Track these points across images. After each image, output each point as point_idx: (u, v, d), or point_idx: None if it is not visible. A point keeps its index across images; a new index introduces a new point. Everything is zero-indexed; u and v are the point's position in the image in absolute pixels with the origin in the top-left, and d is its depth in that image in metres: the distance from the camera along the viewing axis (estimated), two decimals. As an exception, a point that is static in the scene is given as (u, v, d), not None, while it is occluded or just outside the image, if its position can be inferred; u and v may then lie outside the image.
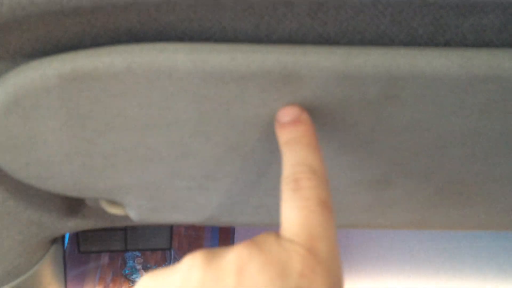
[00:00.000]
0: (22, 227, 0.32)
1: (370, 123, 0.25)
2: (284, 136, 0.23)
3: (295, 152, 0.22)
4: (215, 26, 0.23)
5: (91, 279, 1.25)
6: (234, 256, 0.19)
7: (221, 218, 0.32)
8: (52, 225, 0.34)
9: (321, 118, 0.25)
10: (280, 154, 0.27)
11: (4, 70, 0.23)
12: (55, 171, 0.27)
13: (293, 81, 0.23)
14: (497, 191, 0.27)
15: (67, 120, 0.24)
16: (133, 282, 1.30)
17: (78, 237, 0.58)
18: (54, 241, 0.39)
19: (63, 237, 0.41)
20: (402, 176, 0.28)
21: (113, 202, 0.32)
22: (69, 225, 0.36)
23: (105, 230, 0.58)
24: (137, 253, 1.25)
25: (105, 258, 1.25)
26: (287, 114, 0.24)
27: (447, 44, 0.24)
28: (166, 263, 1.28)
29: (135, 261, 1.25)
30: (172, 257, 1.29)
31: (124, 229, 0.61)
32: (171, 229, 0.70)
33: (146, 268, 1.26)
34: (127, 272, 1.24)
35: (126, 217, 0.34)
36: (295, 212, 0.20)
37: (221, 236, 1.38)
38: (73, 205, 0.36)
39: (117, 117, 0.25)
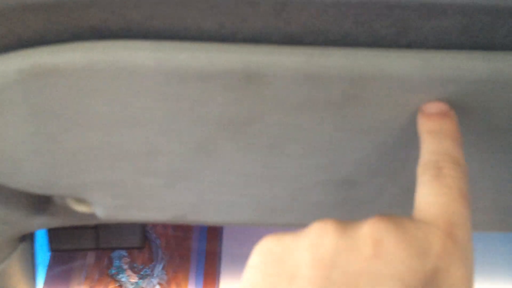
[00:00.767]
0: None
1: (334, 123, 0.25)
2: (429, 125, 0.23)
3: (439, 142, 0.22)
4: (179, 24, 0.23)
5: (77, 279, 1.24)
6: (370, 228, 0.19)
7: (189, 217, 0.32)
8: (19, 223, 0.33)
9: (287, 118, 0.25)
10: (247, 153, 0.27)
11: None
12: (19, 168, 0.27)
13: (257, 81, 0.23)
14: None
15: (30, 116, 0.24)
16: (120, 282, 1.29)
17: (49, 235, 0.57)
18: (22, 239, 0.39)
19: (32, 236, 0.40)
20: (367, 176, 0.28)
21: (80, 200, 0.32)
22: (37, 223, 0.36)
23: (76, 228, 0.57)
24: (124, 253, 1.24)
25: (91, 258, 1.24)
26: (435, 106, 0.23)
27: (409, 45, 0.24)
28: (153, 263, 1.28)
29: (122, 261, 1.25)
30: (160, 257, 1.29)
31: (96, 227, 0.61)
32: (143, 228, 0.70)
33: (133, 268, 1.25)
34: (113, 272, 1.24)
35: (94, 215, 0.34)
36: (436, 197, 0.20)
37: (209, 237, 1.38)
38: (40, 202, 0.36)
39: (81, 114, 0.25)
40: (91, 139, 0.26)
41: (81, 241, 0.60)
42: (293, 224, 0.32)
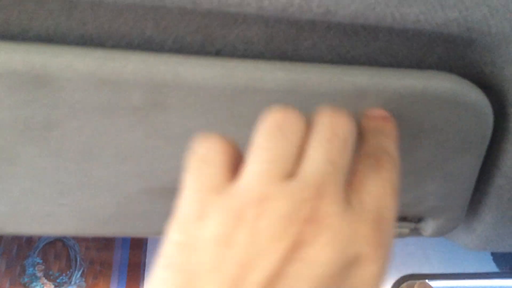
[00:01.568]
0: None
1: (144, 130, 0.24)
2: (371, 124, 0.23)
3: (380, 140, 0.22)
4: None
5: (-16, 288, 1.15)
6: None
7: (7, 228, 0.29)
8: None
9: (91, 123, 0.23)
10: (55, 159, 0.25)
11: None
12: None
13: (47, 83, 0.21)
14: None
15: None
16: (33, 291, 1.21)
17: None
18: None
19: None
20: None
21: None
22: None
23: None
24: (38, 260, 1.17)
25: (1, 265, 1.16)
26: (379, 111, 0.23)
27: (218, 53, 0.23)
28: (71, 270, 1.22)
29: (36, 268, 1.17)
30: (78, 264, 1.23)
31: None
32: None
33: (48, 276, 1.19)
34: (26, 280, 1.16)
35: None
36: (372, 187, 0.20)
37: (132, 243, 1.34)
38: None
39: None
40: None
41: None
42: (124, 233, 0.31)
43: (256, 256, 0.17)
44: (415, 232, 0.33)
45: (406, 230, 0.32)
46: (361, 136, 0.22)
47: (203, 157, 0.20)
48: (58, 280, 1.31)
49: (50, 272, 1.30)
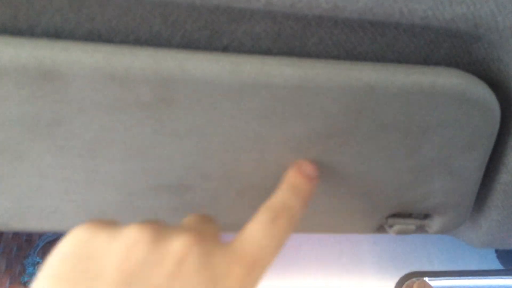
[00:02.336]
0: None
1: (152, 126, 0.23)
2: (292, 178, 0.25)
3: (290, 197, 0.23)
4: None
5: (-16, 288, 1.15)
6: (180, 245, 0.20)
7: (13, 224, 0.29)
8: None
9: (99, 119, 0.23)
10: (62, 156, 0.25)
11: None
12: None
13: (55, 79, 0.21)
14: None
15: None
16: (33, 290, 1.20)
17: None
18: None
19: None
20: (200, 180, 0.27)
21: None
22: None
23: None
24: (38, 259, 1.17)
25: (1, 265, 1.16)
26: (308, 167, 0.25)
27: (225, 49, 0.23)
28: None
29: (36, 268, 1.17)
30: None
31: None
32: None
33: (48, 275, 1.18)
34: (26, 279, 1.16)
35: None
36: (260, 238, 0.21)
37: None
38: None
39: None
40: None
41: None
42: None
43: None
44: (421, 229, 0.32)
45: (412, 227, 0.31)
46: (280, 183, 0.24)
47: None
48: (58, 280, 1.29)
49: (50, 272, 1.27)
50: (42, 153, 0.25)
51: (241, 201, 0.28)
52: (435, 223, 0.31)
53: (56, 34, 0.22)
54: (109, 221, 0.22)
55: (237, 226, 0.26)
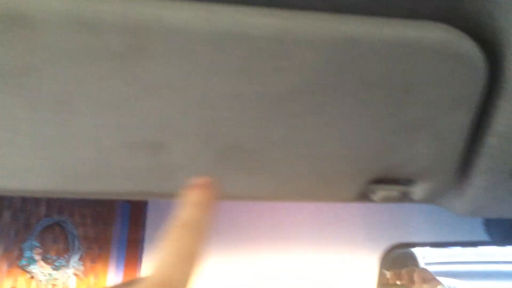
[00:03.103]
0: None
1: (123, 78, 0.23)
2: (189, 196, 0.24)
3: (190, 212, 0.23)
4: None
5: (-18, 271, 1.16)
6: None
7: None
8: None
9: (68, 70, 0.22)
10: (32, 109, 0.24)
11: None
12: None
13: (21, 25, 0.20)
14: (279, 158, 0.27)
15: None
16: (31, 273, 1.23)
17: None
18: None
19: None
20: (176, 139, 0.26)
21: None
22: None
23: None
24: (36, 243, 1.18)
25: (-1, 249, 1.17)
26: (200, 180, 0.24)
27: None
28: (69, 254, 1.23)
29: (33, 252, 1.19)
30: (76, 248, 1.24)
31: None
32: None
33: (46, 259, 1.20)
34: (23, 263, 1.17)
35: None
36: (164, 260, 0.21)
37: (131, 225, 1.35)
38: None
39: None
40: None
41: None
42: (106, 193, 0.30)
43: None
44: (405, 196, 0.32)
45: (395, 193, 0.31)
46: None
47: None
48: (56, 264, 1.33)
49: (48, 256, 1.31)
50: (10, 106, 0.24)
51: (221, 163, 0.28)
52: (420, 189, 0.31)
53: None
54: None
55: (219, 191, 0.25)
